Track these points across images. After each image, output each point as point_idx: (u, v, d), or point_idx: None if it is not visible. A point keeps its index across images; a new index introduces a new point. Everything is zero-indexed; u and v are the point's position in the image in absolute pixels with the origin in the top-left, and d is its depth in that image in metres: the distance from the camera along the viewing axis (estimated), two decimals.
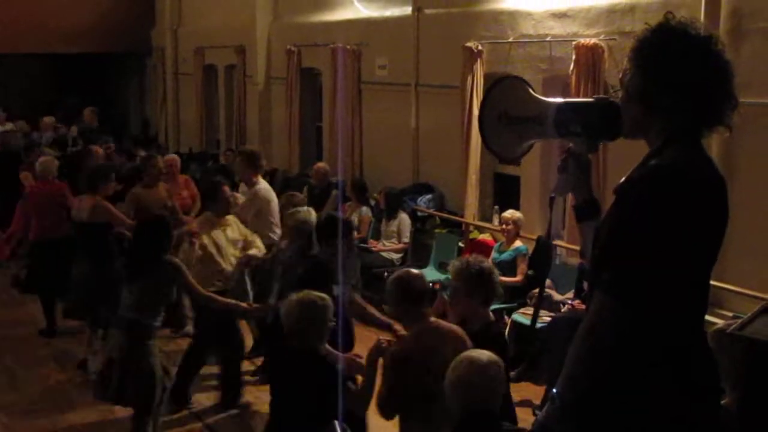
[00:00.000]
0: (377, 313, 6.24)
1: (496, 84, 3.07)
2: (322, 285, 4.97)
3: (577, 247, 5.63)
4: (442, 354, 4.09)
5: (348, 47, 12.36)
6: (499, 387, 3.64)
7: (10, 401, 7.67)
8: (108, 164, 10.38)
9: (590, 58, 8.29)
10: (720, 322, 6.41)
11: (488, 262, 4.83)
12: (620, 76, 2.60)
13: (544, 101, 2.93)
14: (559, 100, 2.93)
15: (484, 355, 3.67)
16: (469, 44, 9.94)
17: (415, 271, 4.90)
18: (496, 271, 4.77)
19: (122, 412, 6.94)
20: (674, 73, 2.43)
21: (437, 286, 9.04)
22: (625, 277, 2.40)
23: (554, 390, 2.61)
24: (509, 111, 2.98)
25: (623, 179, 2.51)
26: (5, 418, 7.33)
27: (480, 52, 9.88)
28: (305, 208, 7.32)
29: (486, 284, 4.55)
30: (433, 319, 4.55)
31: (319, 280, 5.20)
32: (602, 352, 2.45)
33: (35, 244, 9.33)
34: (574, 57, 8.43)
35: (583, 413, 2.49)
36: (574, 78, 8.43)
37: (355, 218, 10.85)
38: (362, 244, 10.36)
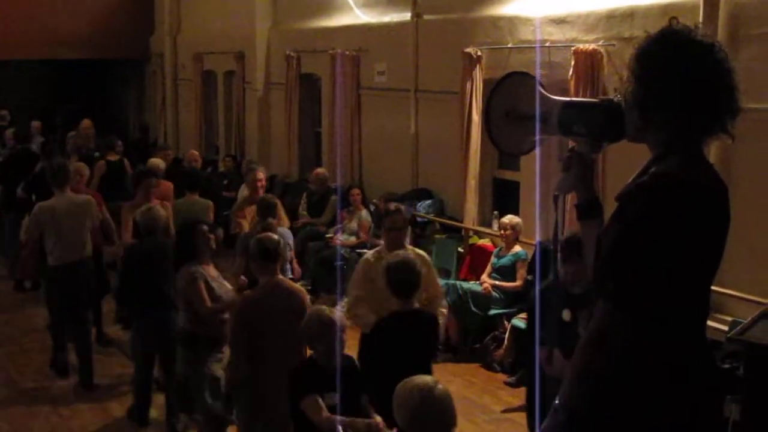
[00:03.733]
0: None
1: (504, 79, 3.07)
2: None
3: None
4: (283, 303, 5.48)
5: (347, 53, 12.38)
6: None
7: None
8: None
9: (589, 63, 8.30)
10: (720, 326, 6.47)
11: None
12: (622, 82, 2.61)
13: (551, 99, 2.92)
14: (565, 98, 2.93)
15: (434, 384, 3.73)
16: (468, 50, 9.95)
17: (273, 235, 5.94)
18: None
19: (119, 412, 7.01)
20: (674, 84, 2.42)
21: None
22: (629, 287, 2.39)
23: (557, 401, 2.58)
24: (516, 107, 2.98)
25: (624, 187, 2.51)
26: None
27: (479, 58, 9.89)
28: None
29: None
30: (280, 276, 5.74)
31: None
32: (607, 361, 2.44)
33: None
34: (572, 62, 8.44)
35: (588, 423, 2.47)
36: (572, 83, 8.43)
37: (354, 224, 10.88)
38: (363, 250, 10.36)
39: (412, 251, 6.09)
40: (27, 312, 10.03)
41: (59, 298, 8.04)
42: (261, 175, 9.51)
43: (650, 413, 2.41)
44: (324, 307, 4.99)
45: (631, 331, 2.41)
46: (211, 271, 6.31)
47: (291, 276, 7.68)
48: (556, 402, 2.57)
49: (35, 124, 15.72)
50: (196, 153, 13.47)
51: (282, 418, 4.86)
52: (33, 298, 10.55)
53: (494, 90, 3.06)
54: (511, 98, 3.00)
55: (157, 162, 10.98)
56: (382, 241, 10.63)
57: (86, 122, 14.92)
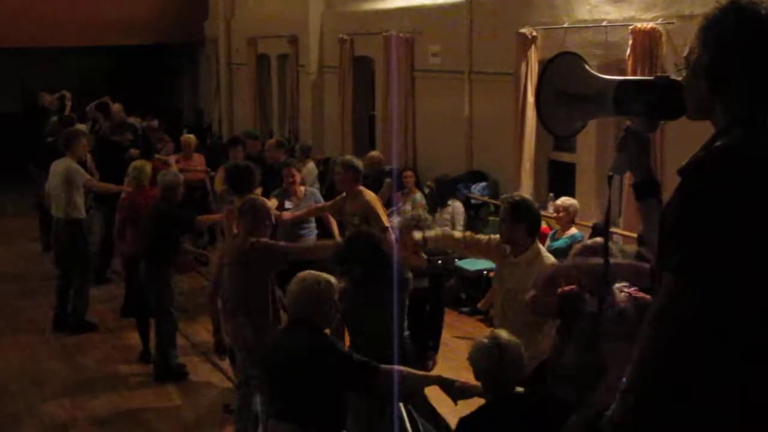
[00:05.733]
0: None
1: (553, 60, 3.04)
2: None
3: (634, 234, 5.58)
4: None
5: (401, 35, 12.34)
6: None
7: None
8: None
9: (647, 42, 8.18)
10: None
11: None
12: (685, 54, 2.56)
13: (603, 79, 2.89)
14: (619, 78, 2.89)
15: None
16: (523, 30, 9.87)
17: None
18: None
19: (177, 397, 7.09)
20: (742, 54, 2.38)
21: (492, 275, 8.99)
22: (697, 257, 2.35)
23: (623, 383, 2.54)
24: (567, 88, 2.95)
25: (688, 160, 2.47)
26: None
27: (534, 39, 9.80)
28: None
29: None
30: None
31: None
32: (673, 338, 2.39)
33: (129, 262, 8.58)
34: (630, 42, 8.32)
35: (656, 406, 2.43)
36: (630, 63, 8.32)
37: (408, 206, 10.86)
38: None
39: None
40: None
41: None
42: (294, 170, 9.44)
43: (720, 393, 2.36)
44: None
45: (699, 302, 2.36)
46: None
47: None
48: (623, 383, 2.53)
49: (91, 107, 15.89)
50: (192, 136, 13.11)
51: None
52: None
53: (544, 71, 3.04)
54: (562, 79, 2.96)
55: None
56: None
57: (116, 107, 15.13)
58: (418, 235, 5.92)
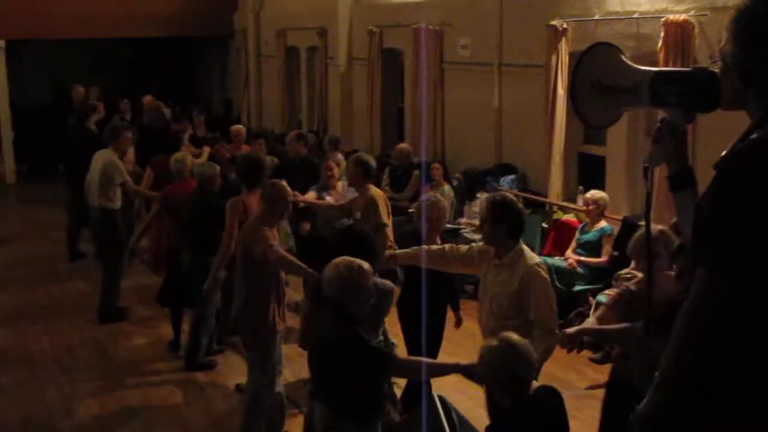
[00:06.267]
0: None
1: (588, 50, 3.03)
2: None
3: (663, 226, 5.52)
4: None
5: (430, 27, 12.31)
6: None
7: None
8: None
9: (680, 35, 8.11)
10: None
11: None
12: (720, 45, 2.54)
13: (639, 70, 2.88)
14: (655, 69, 2.87)
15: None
16: (553, 23, 9.82)
17: None
18: None
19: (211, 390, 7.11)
20: None
21: None
22: (729, 253, 2.33)
23: (656, 377, 2.52)
24: (602, 79, 2.94)
25: (724, 153, 2.45)
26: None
27: (565, 31, 9.74)
28: None
29: None
30: None
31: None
32: (706, 333, 2.37)
33: (169, 253, 8.51)
34: (662, 34, 8.25)
35: (688, 401, 2.41)
36: (662, 56, 8.25)
37: None
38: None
39: None
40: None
41: None
42: (332, 164, 9.42)
43: (743, 391, 2.34)
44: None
45: (728, 302, 2.34)
46: None
47: None
48: (656, 377, 2.50)
49: (125, 102, 16.02)
50: (241, 126, 12.95)
51: None
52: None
53: (579, 63, 3.03)
54: (597, 70, 2.95)
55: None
56: (465, 219, 10.68)
57: (148, 98, 15.20)
58: (387, 252, 5.94)
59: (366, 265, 4.48)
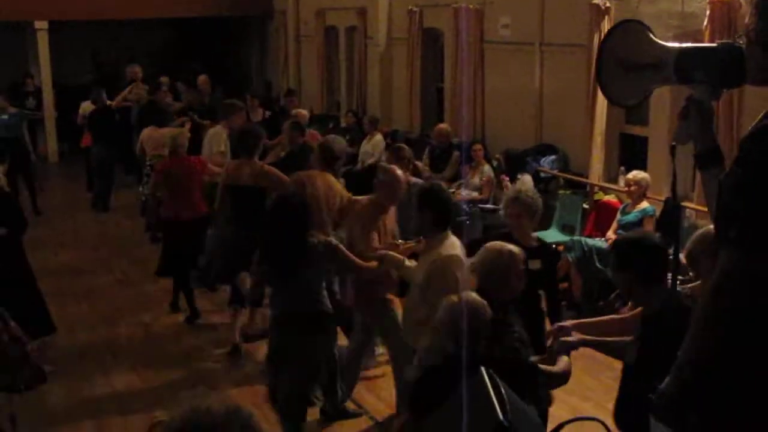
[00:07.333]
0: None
1: (614, 28, 2.99)
2: None
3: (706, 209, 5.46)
4: None
5: (471, 6, 12.23)
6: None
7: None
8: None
9: (726, 12, 7.98)
10: None
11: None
12: (745, 21, 2.50)
13: (665, 46, 2.84)
14: (681, 45, 2.84)
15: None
16: (596, 1, 9.71)
17: None
18: None
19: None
20: None
21: (561, 248, 8.93)
22: (755, 231, 2.29)
23: (679, 356, 2.49)
24: (628, 57, 2.90)
25: (748, 131, 2.42)
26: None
27: (607, 9, 9.64)
28: None
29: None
30: None
31: None
32: (733, 312, 2.34)
33: (166, 225, 9.00)
34: (708, 12, 8.14)
35: (716, 378, 2.38)
36: (707, 35, 8.13)
37: (477, 179, 10.82)
38: (485, 206, 10.36)
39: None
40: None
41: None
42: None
43: (763, 372, 2.30)
44: None
45: (756, 276, 2.30)
46: None
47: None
48: (679, 357, 2.48)
49: (163, 79, 16.12)
50: (304, 112, 12.95)
51: None
52: None
53: (605, 39, 2.99)
54: (623, 47, 2.92)
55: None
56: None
57: (202, 78, 15.27)
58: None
59: (517, 249, 4.53)
